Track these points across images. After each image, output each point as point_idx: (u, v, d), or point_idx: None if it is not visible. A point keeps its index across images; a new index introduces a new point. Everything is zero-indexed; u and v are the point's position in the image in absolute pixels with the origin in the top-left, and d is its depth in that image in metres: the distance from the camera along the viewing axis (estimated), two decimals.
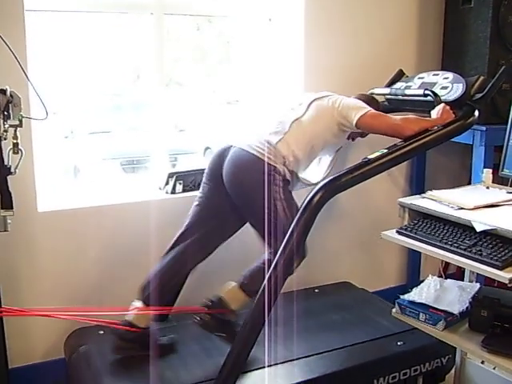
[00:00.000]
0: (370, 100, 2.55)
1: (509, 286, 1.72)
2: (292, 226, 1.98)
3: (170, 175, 2.79)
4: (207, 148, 3.83)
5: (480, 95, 2.31)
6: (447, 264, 3.35)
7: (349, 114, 2.32)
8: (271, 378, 2.18)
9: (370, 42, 3.06)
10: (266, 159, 2.22)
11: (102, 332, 2.42)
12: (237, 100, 3.38)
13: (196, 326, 2.31)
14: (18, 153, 1.88)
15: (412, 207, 2.14)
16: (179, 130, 3.68)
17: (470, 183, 2.85)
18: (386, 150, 2.12)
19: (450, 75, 2.45)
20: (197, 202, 2.40)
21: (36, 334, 2.54)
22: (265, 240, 2.20)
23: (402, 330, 2.46)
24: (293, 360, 2.28)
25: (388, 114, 2.37)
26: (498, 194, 2.17)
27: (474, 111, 2.27)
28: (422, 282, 2.27)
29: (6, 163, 1.86)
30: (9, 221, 1.90)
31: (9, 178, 1.87)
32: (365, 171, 2.07)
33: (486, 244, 1.83)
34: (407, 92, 2.54)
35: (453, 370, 2.48)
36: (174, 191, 2.77)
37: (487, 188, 2.27)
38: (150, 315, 2.28)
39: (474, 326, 1.99)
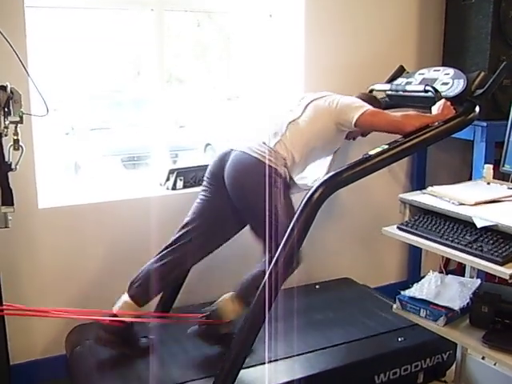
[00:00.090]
0: (371, 99, 2.52)
1: (509, 281, 1.72)
2: (293, 221, 1.98)
3: (171, 171, 2.79)
4: (208, 144, 3.83)
5: (481, 91, 2.31)
6: (448, 260, 3.35)
7: (347, 113, 2.28)
8: (272, 374, 2.18)
9: (370, 40, 3.05)
10: (266, 161, 2.20)
11: None
12: (237, 96, 3.38)
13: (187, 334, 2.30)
14: (18, 149, 1.88)
15: (413, 203, 2.13)
16: (180, 126, 3.69)
17: (470, 179, 2.85)
18: (386, 146, 2.12)
19: (451, 71, 2.45)
20: (198, 204, 2.38)
21: (37, 331, 2.54)
22: (265, 243, 2.17)
23: (403, 326, 2.47)
24: (293, 356, 2.28)
25: (387, 111, 2.35)
26: (499, 189, 2.17)
27: (474, 107, 2.27)
28: (423, 277, 2.28)
29: (6, 160, 1.85)
30: (9, 217, 1.89)
31: (9, 174, 1.87)
32: (366, 167, 2.07)
33: (486, 240, 1.82)
34: (408, 88, 2.53)
35: (453, 366, 2.48)
36: (174, 187, 2.77)
37: (488, 184, 2.26)
38: (136, 313, 2.26)
39: (475, 322, 1.99)
